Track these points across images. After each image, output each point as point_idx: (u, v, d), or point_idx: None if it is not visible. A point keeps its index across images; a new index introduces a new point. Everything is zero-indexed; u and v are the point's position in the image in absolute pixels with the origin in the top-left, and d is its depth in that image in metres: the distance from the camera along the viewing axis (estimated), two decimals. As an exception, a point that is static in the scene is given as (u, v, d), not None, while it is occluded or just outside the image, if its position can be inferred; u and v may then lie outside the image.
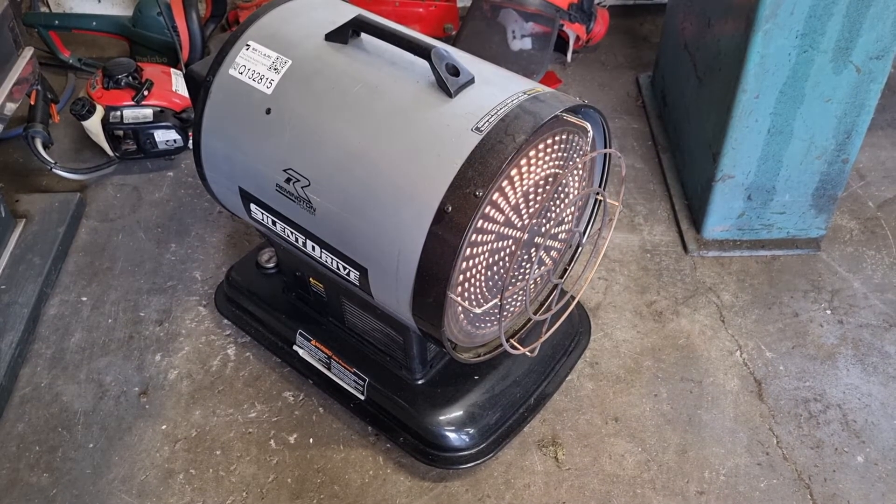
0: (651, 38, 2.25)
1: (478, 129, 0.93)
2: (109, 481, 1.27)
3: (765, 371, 1.41)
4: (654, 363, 1.42)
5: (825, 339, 1.46)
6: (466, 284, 0.99)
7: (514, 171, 0.95)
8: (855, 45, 1.30)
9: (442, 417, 1.23)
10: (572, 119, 0.97)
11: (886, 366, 1.41)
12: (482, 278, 1.01)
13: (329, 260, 1.07)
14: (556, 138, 1.00)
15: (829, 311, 1.50)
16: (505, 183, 0.94)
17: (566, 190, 1.07)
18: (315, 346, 1.31)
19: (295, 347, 1.35)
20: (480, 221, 0.94)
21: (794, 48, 1.31)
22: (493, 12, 2.05)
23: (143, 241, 1.67)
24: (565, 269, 1.24)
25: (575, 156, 1.04)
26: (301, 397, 1.38)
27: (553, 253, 1.17)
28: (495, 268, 1.02)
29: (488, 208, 0.94)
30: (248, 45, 1.09)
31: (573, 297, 1.21)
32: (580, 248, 1.22)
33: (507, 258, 1.01)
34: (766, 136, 1.43)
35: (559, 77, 2.04)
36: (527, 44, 2.07)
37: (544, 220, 1.06)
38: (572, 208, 1.13)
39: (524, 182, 0.97)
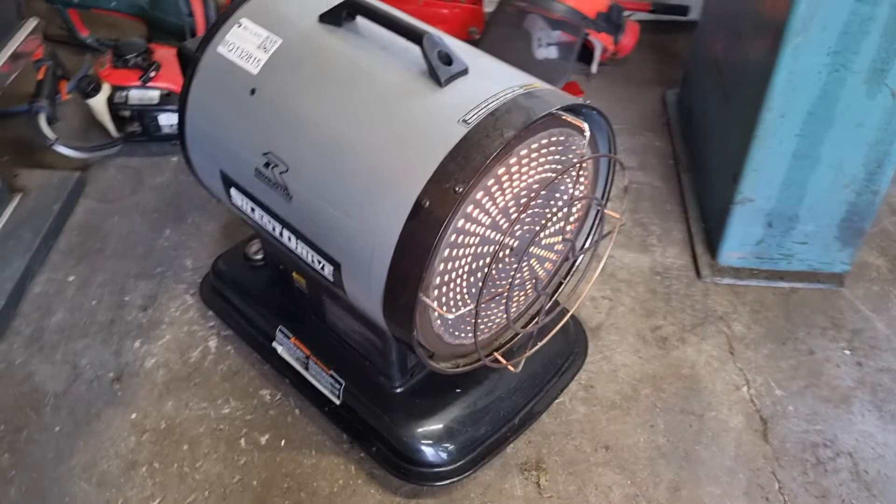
0: (682, 55, 2.16)
1: (465, 121, 0.86)
2: (70, 468, 1.22)
3: (772, 410, 1.31)
4: (654, 392, 1.33)
5: (841, 380, 1.36)
6: (444, 289, 0.92)
7: (501, 171, 0.88)
8: (892, 66, 1.21)
9: (418, 430, 1.15)
10: (569, 118, 0.89)
11: (906, 415, 1.31)
12: (464, 284, 0.94)
13: (304, 252, 1.01)
14: (553, 139, 0.93)
15: (847, 352, 1.40)
16: (491, 182, 0.87)
17: (563, 197, 1.00)
18: (294, 344, 1.25)
19: (274, 344, 1.29)
20: (462, 221, 0.87)
21: (825, 66, 1.23)
22: (519, 17, 1.99)
23: (138, 224, 1.63)
24: (560, 283, 1.16)
25: (574, 159, 0.97)
26: (278, 397, 1.32)
27: (548, 265, 1.09)
28: (479, 274, 0.95)
29: (471, 208, 0.87)
30: (240, 22, 1.04)
31: (566, 311, 1.13)
32: (576, 263, 1.15)
33: (490, 265, 0.94)
34: (791, 159, 1.35)
35: (581, 88, 1.97)
36: (552, 52, 2.00)
37: (537, 228, 0.99)
38: (571, 219, 1.06)
39: (514, 184, 0.90)
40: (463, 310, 0.91)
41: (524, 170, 0.91)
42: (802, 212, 1.42)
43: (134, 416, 1.29)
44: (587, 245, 1.12)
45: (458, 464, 1.16)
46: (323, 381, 1.22)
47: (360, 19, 1.00)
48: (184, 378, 1.35)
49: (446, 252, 0.88)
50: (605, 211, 1.10)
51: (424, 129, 0.88)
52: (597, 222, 1.13)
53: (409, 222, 0.85)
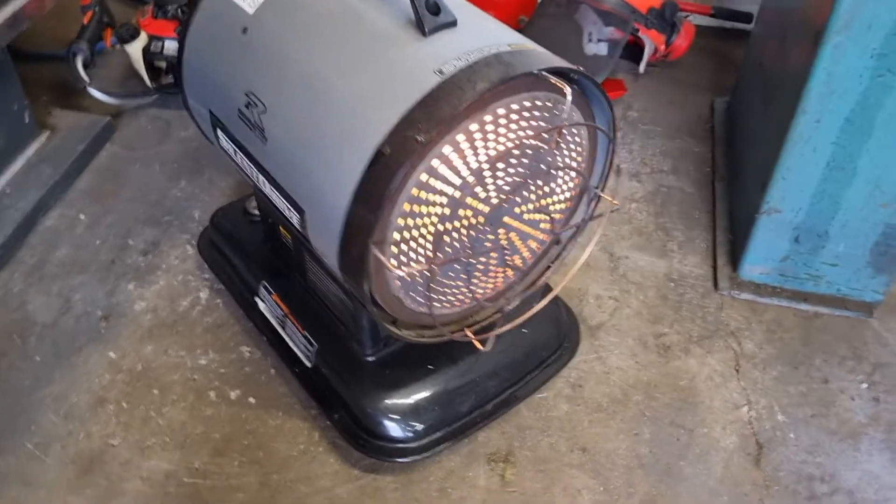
0: (739, 64, 2.06)
1: (440, 71, 0.81)
2: (42, 397, 1.22)
3: (771, 435, 1.21)
4: (645, 399, 1.25)
5: (853, 414, 1.25)
6: (405, 248, 0.87)
7: (474, 126, 0.83)
8: (942, 76, 1.11)
9: (384, 402, 1.11)
10: (551, 79, 0.84)
11: (920, 460, 1.19)
12: (430, 248, 0.89)
13: (276, 199, 0.98)
14: (537, 103, 0.87)
15: (865, 385, 1.29)
16: (462, 138, 0.83)
17: (549, 171, 0.94)
18: (275, 301, 1.23)
19: (256, 299, 1.26)
20: (425, 175, 0.82)
21: (868, 70, 1.13)
22: (570, 8, 1.93)
23: (156, 173, 1.63)
24: (548, 267, 1.10)
25: (563, 131, 0.91)
26: (258, 355, 1.29)
27: (533, 244, 1.03)
28: (448, 239, 0.90)
29: (436, 162, 0.82)
30: (243, -39, 1.02)
31: (546, 295, 1.07)
32: (565, 247, 1.08)
33: (460, 230, 0.89)
34: (824, 169, 1.25)
35: (627, 87, 1.89)
36: (602, 49, 1.92)
37: (517, 199, 0.93)
38: (558, 197, 1.00)
39: (489, 144, 0.85)
40: (414, 267, 0.86)
41: (501, 131, 0.85)
42: (834, 230, 1.32)
43: (113, 355, 1.29)
44: (573, 225, 1.05)
45: (420, 442, 1.11)
46: (298, 341, 1.19)
47: (362, -34, 0.97)
48: (169, 325, 1.34)
49: (407, 207, 0.83)
50: (600, 194, 1.04)
51: (398, 76, 0.84)
52: (591, 205, 1.06)
53: (368, 169, 0.81)
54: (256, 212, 1.34)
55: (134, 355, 1.29)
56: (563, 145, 0.93)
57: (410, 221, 0.85)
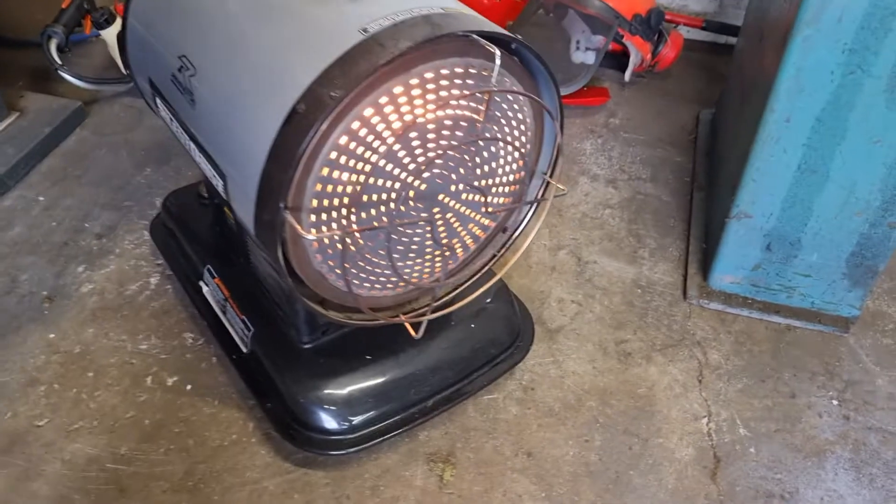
0: (735, 82, 2.01)
1: (364, 30, 0.78)
2: (-27, 374, 1.18)
3: (730, 448, 1.15)
4: (600, 405, 1.19)
5: (820, 431, 1.18)
6: (325, 216, 0.82)
7: (398, 89, 0.79)
8: (917, 74, 1.06)
9: (316, 391, 1.06)
10: (483, 44, 0.80)
11: (888, 481, 1.11)
12: (353, 218, 0.85)
13: (204, 165, 0.94)
14: (470, 70, 0.83)
15: (835, 402, 1.22)
16: (385, 100, 0.78)
17: (481, 143, 0.89)
18: (217, 285, 1.18)
19: (200, 283, 1.22)
20: (344, 138, 0.78)
21: (839, 66, 1.08)
22: (556, 13, 1.90)
23: (123, 159, 1.61)
24: (493, 256, 1.05)
25: (498, 100, 0.87)
26: (201, 342, 1.25)
27: (474, 228, 0.99)
28: (373, 212, 0.85)
29: (357, 125, 0.78)
30: (188, -74, 1.00)
31: (488, 277, 1.02)
32: (511, 236, 1.04)
33: (387, 202, 0.84)
34: (796, 172, 1.19)
35: (611, 94, 1.85)
36: (589, 57, 1.89)
37: (452, 176, 0.89)
38: (504, 179, 0.95)
39: (417, 111, 0.81)
40: (325, 232, 0.81)
41: (430, 97, 0.81)
42: (806, 238, 1.26)
43: (52, 336, 1.25)
44: (508, 206, 1.00)
45: (352, 436, 1.06)
46: (236, 326, 1.15)
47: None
48: (113, 309, 1.30)
49: (325, 171, 0.79)
50: (547, 179, 0.99)
51: (322, 35, 0.80)
52: (538, 191, 1.01)
53: (283, 128, 0.77)
54: (206, 194, 1.31)
55: (73, 337, 1.24)
56: (501, 118, 0.89)
57: (329, 188, 0.80)
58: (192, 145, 0.95)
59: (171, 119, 1.00)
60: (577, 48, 1.92)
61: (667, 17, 1.93)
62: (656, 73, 1.94)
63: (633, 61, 1.84)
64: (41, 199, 1.50)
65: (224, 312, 1.17)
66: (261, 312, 1.13)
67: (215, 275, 1.19)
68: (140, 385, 1.18)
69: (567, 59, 1.93)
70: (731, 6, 2.07)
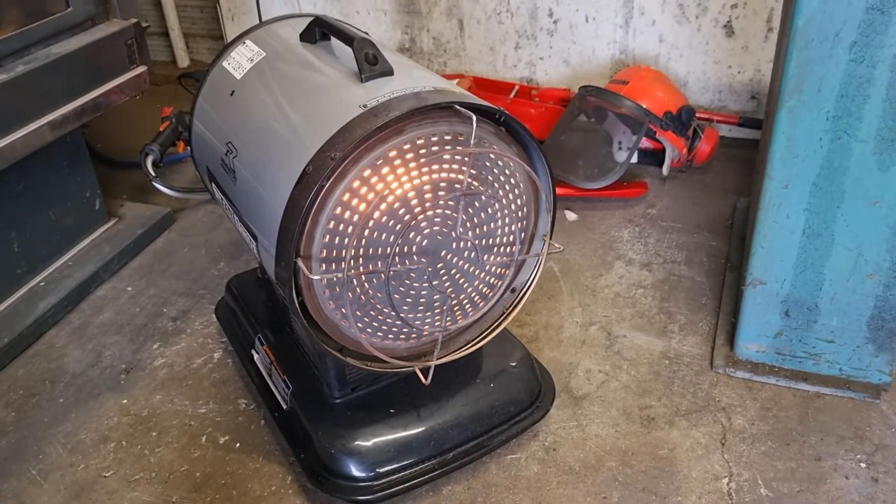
0: (779, 175, 2.07)
1: (364, 105, 0.93)
2: (56, 432, 1.34)
3: (751, 508, 1.15)
4: (620, 465, 1.23)
5: (847, 493, 1.16)
6: (333, 265, 0.96)
7: (392, 153, 0.93)
8: (900, 136, 1.12)
9: (342, 441, 1.15)
10: (461, 110, 0.93)
11: (918, 543, 1.09)
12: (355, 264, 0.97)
13: (242, 231, 1.10)
14: (459, 138, 0.96)
15: (864, 465, 1.20)
16: (380, 161, 0.92)
17: (485, 207, 1.02)
18: (265, 351, 1.32)
19: (252, 351, 1.36)
20: (347, 195, 0.92)
21: (826, 132, 1.16)
22: (597, 116, 2.04)
23: (201, 256, 1.81)
24: (503, 313, 1.14)
25: (490, 165, 0.99)
26: (252, 407, 1.37)
27: (482, 287, 1.09)
28: (379, 264, 0.98)
29: (357, 183, 0.92)
30: (244, 41, 1.21)
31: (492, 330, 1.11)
32: (520, 295, 1.13)
33: (390, 252, 0.97)
34: (802, 237, 1.25)
35: (649, 187, 1.95)
36: (633, 158, 2.01)
37: (452, 234, 1.01)
38: (504, 239, 1.07)
39: (412, 174, 0.95)
40: (330, 275, 0.94)
41: (423, 161, 0.95)
42: (823, 303, 1.29)
43: (125, 401, 1.40)
44: (506, 259, 1.10)
45: (377, 482, 1.13)
46: (279, 386, 1.27)
47: (333, 39, 1.13)
48: (180, 379, 1.45)
49: (330, 224, 0.93)
50: (547, 240, 1.10)
51: (331, 113, 0.96)
52: (542, 256, 1.11)
53: (294, 188, 0.92)
54: (261, 274, 1.47)
55: (143, 402, 1.40)
56: (493, 182, 1.01)
57: (336, 239, 0.94)
58: (236, 217, 1.12)
59: (222, 198, 1.17)
60: (620, 148, 2.05)
61: (702, 114, 2.04)
62: (695, 168, 2.03)
63: (669, 156, 1.94)
64: (129, 289, 1.71)
65: (270, 375, 1.30)
66: (299, 372, 1.25)
67: (264, 342, 1.33)
68: (195, 443, 1.31)
69: (612, 160, 2.05)
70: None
